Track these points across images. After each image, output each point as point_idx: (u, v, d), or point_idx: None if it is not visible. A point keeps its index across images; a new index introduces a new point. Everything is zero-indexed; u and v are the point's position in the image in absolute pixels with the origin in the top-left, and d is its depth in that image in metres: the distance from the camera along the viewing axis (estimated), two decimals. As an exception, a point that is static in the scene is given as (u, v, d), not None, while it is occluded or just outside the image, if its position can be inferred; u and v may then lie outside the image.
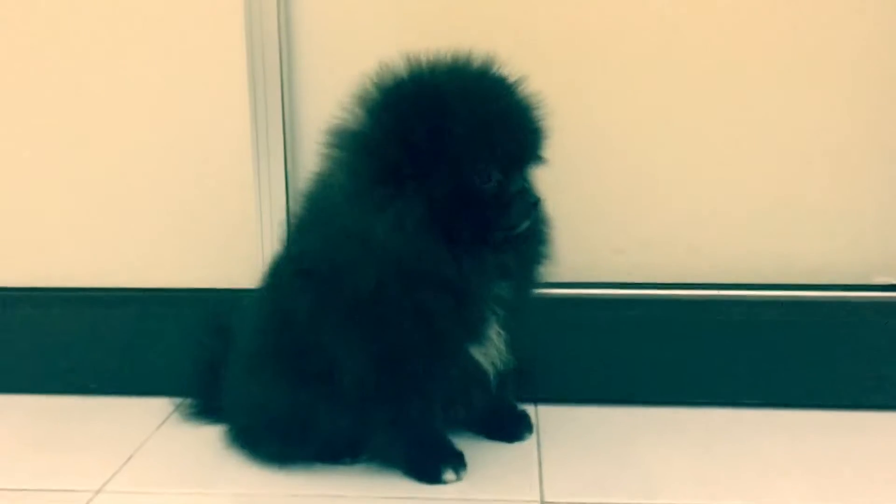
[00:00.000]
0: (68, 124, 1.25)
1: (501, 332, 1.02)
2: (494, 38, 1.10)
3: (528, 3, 1.18)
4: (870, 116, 1.18)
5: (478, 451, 1.09)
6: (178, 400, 1.23)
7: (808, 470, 1.04)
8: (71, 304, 1.26)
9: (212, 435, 1.14)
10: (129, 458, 1.09)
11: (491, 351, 1.03)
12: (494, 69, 0.97)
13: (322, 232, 0.99)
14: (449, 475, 1.02)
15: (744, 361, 1.21)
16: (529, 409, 1.20)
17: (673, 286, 1.23)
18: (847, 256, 1.21)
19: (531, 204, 0.97)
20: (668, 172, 1.22)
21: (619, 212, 1.23)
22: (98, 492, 1.01)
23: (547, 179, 1.13)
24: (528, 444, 1.12)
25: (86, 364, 1.27)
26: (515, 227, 0.97)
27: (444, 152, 0.91)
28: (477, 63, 0.96)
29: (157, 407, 1.23)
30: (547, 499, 0.99)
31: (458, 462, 1.04)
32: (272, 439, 1.06)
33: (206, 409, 1.19)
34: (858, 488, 1.00)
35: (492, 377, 1.05)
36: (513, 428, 1.14)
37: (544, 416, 1.20)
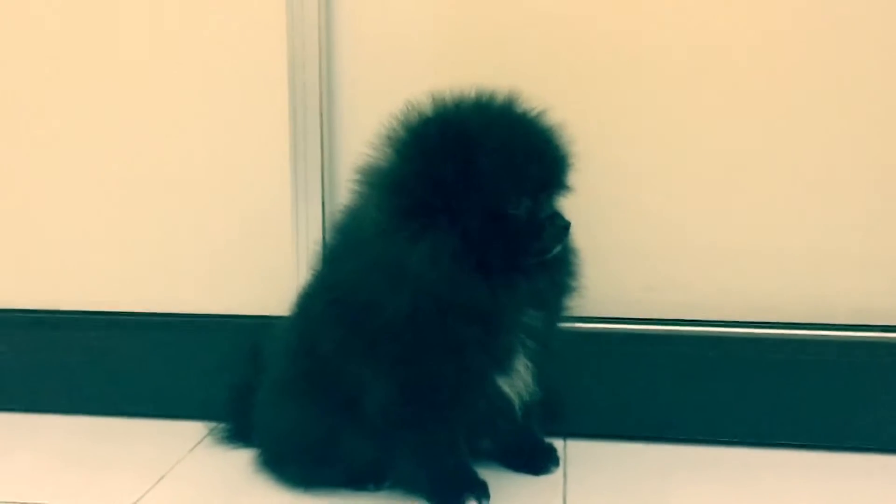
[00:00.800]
0: (119, 158, 1.30)
1: (529, 364, 1.04)
2: (529, 75, 1.14)
3: (563, 42, 1.20)
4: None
5: (503, 482, 1.09)
6: (212, 424, 1.25)
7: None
8: (114, 328, 1.31)
9: (243, 458, 1.16)
10: (161, 479, 1.12)
11: (517, 382, 1.04)
12: (517, 103, 0.99)
13: (353, 263, 1.01)
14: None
15: (777, 400, 1.19)
16: (558, 443, 1.20)
17: (705, 323, 1.22)
18: (885, 298, 1.19)
19: (562, 227, 0.99)
20: (703, 212, 1.22)
21: (652, 250, 1.23)
22: (132, 509, 1.04)
23: (579, 215, 1.15)
24: (554, 477, 1.12)
25: (126, 387, 1.31)
26: (548, 250, 0.99)
27: (473, 185, 0.94)
28: (500, 98, 0.99)
29: (192, 430, 1.26)
30: (569, 531, 0.99)
31: (481, 492, 1.04)
32: (299, 464, 1.08)
33: (238, 433, 1.21)
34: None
35: (517, 408, 1.05)
36: (539, 461, 1.14)
37: (572, 450, 1.20)
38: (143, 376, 1.31)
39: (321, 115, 1.22)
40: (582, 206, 1.17)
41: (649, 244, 1.23)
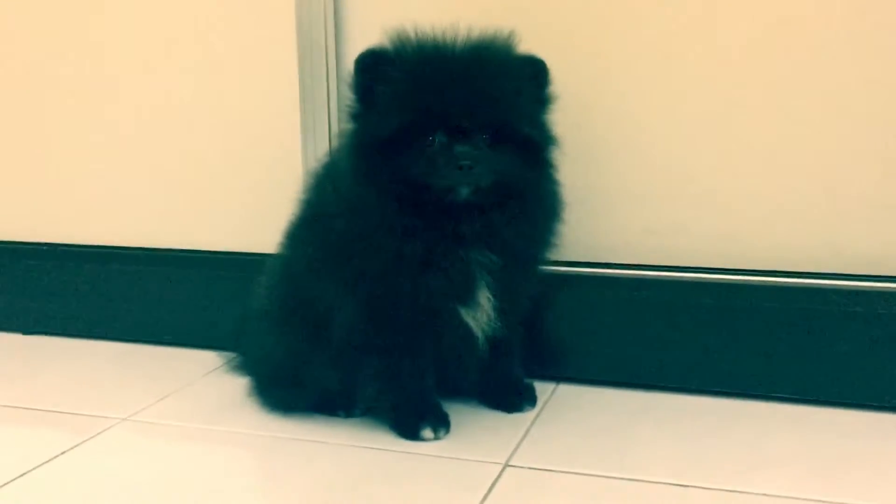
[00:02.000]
0: (142, 103, 1.41)
1: (491, 298, 1.04)
2: (535, 14, 1.18)
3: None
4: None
5: (472, 417, 1.12)
6: (226, 354, 1.34)
7: (799, 463, 0.97)
8: (143, 262, 1.42)
9: (243, 385, 1.23)
10: (165, 397, 1.21)
11: (479, 315, 1.05)
12: (479, 39, 0.99)
13: (321, 184, 1.08)
14: (427, 433, 1.05)
15: (767, 350, 1.14)
16: (549, 386, 1.21)
17: (703, 270, 1.18)
18: (884, 248, 1.11)
19: (462, 169, 0.95)
20: (706, 155, 1.17)
21: (653, 193, 1.20)
22: (123, 420, 1.14)
23: (578, 157, 1.14)
24: (526, 416, 1.12)
25: (155, 316, 1.42)
26: (450, 189, 0.98)
27: (387, 113, 0.97)
28: (468, 38, 0.99)
29: (211, 359, 1.35)
30: (512, 463, 0.99)
31: (439, 422, 1.07)
32: (277, 389, 1.14)
33: (245, 362, 1.28)
34: (839, 482, 0.92)
35: (481, 342, 1.07)
36: (514, 399, 1.14)
37: (560, 393, 1.19)
38: (172, 307, 1.41)
39: (326, 53, 1.27)
40: (581, 148, 1.17)
41: (650, 187, 1.20)
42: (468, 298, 1.03)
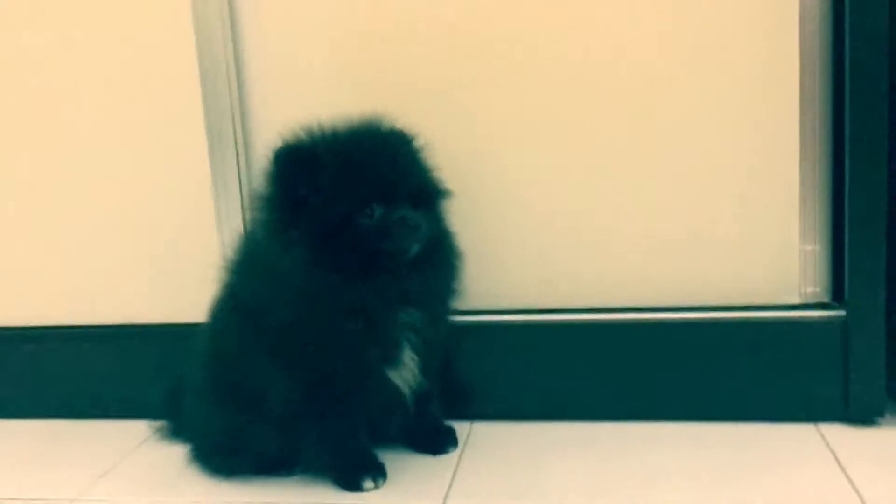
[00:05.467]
0: (58, 185, 1.44)
1: (415, 356, 1.16)
2: (421, 102, 1.30)
3: (450, 54, 1.32)
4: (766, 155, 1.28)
5: (404, 463, 1.23)
6: (156, 423, 1.40)
7: (695, 476, 1.14)
8: (64, 340, 1.46)
9: (179, 453, 1.30)
10: (106, 473, 1.27)
11: (406, 374, 1.17)
12: (370, 125, 1.12)
13: (249, 275, 1.16)
14: (368, 483, 1.16)
15: (660, 378, 1.31)
16: (465, 425, 1.33)
17: (593, 311, 1.34)
18: (750, 280, 1.30)
19: (411, 228, 1.09)
20: (590, 209, 1.32)
21: (544, 245, 1.34)
22: (72, 501, 1.19)
23: (473, 217, 1.28)
24: (452, 456, 1.25)
25: (81, 391, 1.46)
26: (404, 250, 1.10)
27: (321, 198, 1.08)
28: (360, 121, 1.12)
29: (140, 429, 1.40)
30: (449, 500, 1.12)
31: (377, 472, 1.18)
32: (220, 456, 1.22)
33: (174, 430, 1.35)
34: (735, 492, 1.10)
35: (408, 396, 1.18)
36: (438, 442, 1.27)
37: (476, 431, 1.33)
38: (97, 382, 1.46)
39: (235, 141, 1.36)
40: (473, 208, 1.30)
41: (541, 240, 1.35)
42: (395, 360, 1.15)
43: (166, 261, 1.43)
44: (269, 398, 1.15)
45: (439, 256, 1.17)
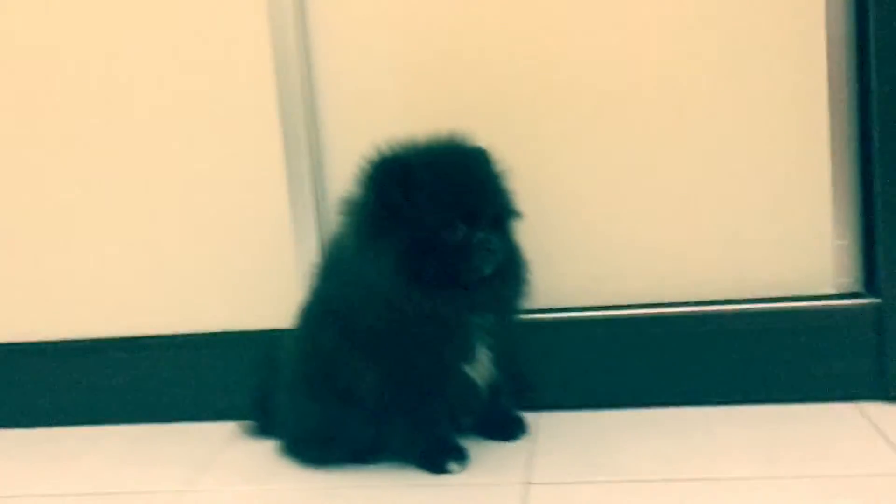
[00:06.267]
0: (133, 188, 1.55)
1: (488, 352, 1.28)
2: (487, 117, 1.40)
3: (518, 88, 1.45)
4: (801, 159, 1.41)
5: (483, 449, 1.33)
6: (239, 423, 1.50)
7: (751, 451, 1.25)
8: (154, 350, 1.56)
9: (267, 447, 1.40)
10: (206, 468, 1.37)
11: (480, 369, 1.28)
12: (458, 142, 1.23)
13: (338, 280, 1.27)
14: (453, 466, 1.27)
15: (709, 366, 1.43)
16: (531, 416, 1.43)
17: (644, 306, 1.45)
18: (787, 274, 1.42)
19: (489, 251, 1.19)
20: (636, 215, 1.45)
21: (597, 248, 1.47)
22: (185, 492, 1.30)
23: (534, 229, 1.39)
24: (524, 442, 1.36)
25: (164, 397, 1.57)
26: (480, 270, 1.20)
27: (412, 213, 1.18)
28: (444, 139, 1.22)
29: (224, 430, 1.51)
30: (532, 480, 1.22)
31: (460, 456, 1.28)
32: (313, 448, 1.33)
33: (262, 428, 1.46)
34: (793, 464, 1.21)
35: (483, 389, 1.30)
36: (510, 430, 1.38)
37: (542, 421, 1.43)
38: (181, 388, 1.56)
39: (311, 155, 1.48)
40: (534, 219, 1.41)
41: (592, 242, 1.47)
42: (471, 358, 1.27)
43: (245, 278, 1.54)
44: (361, 392, 1.26)
45: (509, 271, 1.28)
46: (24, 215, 1.58)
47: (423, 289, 1.18)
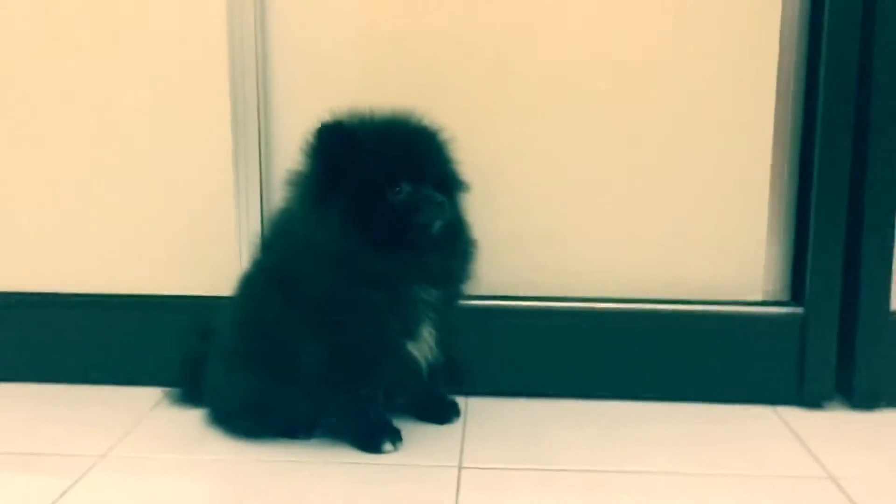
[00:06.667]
0: (82, 149, 1.50)
1: (433, 331, 1.28)
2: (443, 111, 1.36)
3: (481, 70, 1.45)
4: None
5: (416, 430, 1.34)
6: (166, 389, 1.47)
7: (673, 446, 1.30)
8: (79, 307, 1.52)
9: (194, 416, 1.38)
10: (128, 433, 1.34)
11: (423, 347, 1.28)
12: (404, 115, 1.24)
13: (283, 248, 1.26)
14: (388, 446, 1.27)
15: (638, 362, 1.47)
16: (461, 400, 1.45)
17: (578, 299, 1.48)
18: (721, 278, 1.48)
19: (436, 204, 1.21)
20: (578, 207, 1.48)
21: (537, 238, 1.49)
22: (103, 456, 1.26)
23: (477, 212, 1.39)
24: (456, 425, 1.37)
25: (91, 357, 1.52)
26: (429, 225, 1.22)
27: (358, 174, 1.19)
28: (393, 112, 1.24)
29: (150, 394, 1.47)
30: (465, 464, 1.24)
31: (395, 436, 1.29)
32: (245, 419, 1.31)
33: (188, 396, 1.43)
34: (712, 462, 1.26)
35: (424, 369, 1.30)
36: (444, 413, 1.39)
37: (472, 405, 1.45)
38: (108, 349, 1.52)
39: (259, 127, 1.45)
40: (479, 204, 1.42)
41: (535, 233, 1.49)
42: (415, 335, 1.27)
43: (185, 243, 1.51)
44: (300, 364, 1.24)
45: (458, 241, 1.30)
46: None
47: (373, 247, 1.19)
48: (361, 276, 1.19)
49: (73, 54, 1.48)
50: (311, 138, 1.22)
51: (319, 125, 1.21)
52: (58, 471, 1.21)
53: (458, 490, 1.16)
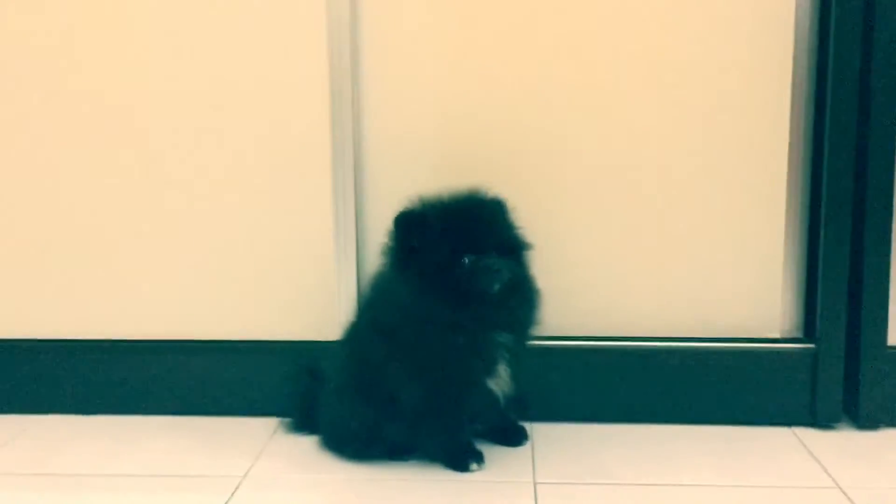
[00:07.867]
0: (184, 200, 1.77)
1: (507, 368, 1.55)
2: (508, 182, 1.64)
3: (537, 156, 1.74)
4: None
5: (493, 452, 1.61)
6: (279, 419, 1.76)
7: (707, 462, 1.57)
8: (206, 353, 1.80)
9: (308, 442, 1.66)
10: (258, 456, 1.62)
11: (500, 382, 1.55)
12: (470, 193, 1.51)
13: (381, 306, 1.56)
14: (473, 466, 1.54)
15: (673, 391, 1.74)
16: (527, 425, 1.72)
17: (627, 339, 1.75)
18: (744, 319, 1.75)
19: (493, 272, 1.46)
20: (621, 263, 1.75)
21: (592, 290, 1.76)
22: (245, 476, 1.54)
23: (541, 264, 1.66)
24: (526, 447, 1.64)
25: (212, 393, 1.81)
26: (489, 288, 1.47)
27: (429, 251, 1.47)
28: (460, 191, 1.51)
29: (266, 424, 1.75)
30: (538, 480, 1.51)
31: (479, 458, 1.56)
32: (355, 444, 1.59)
33: (300, 425, 1.72)
34: (739, 474, 1.53)
35: (500, 400, 1.57)
36: (516, 437, 1.66)
37: (538, 430, 1.72)
38: (227, 386, 1.80)
39: (356, 205, 1.74)
40: (543, 260, 1.68)
41: (587, 284, 1.76)
42: (492, 372, 1.54)
43: (291, 296, 1.79)
44: (399, 398, 1.53)
45: (521, 293, 1.55)
46: (88, 218, 1.79)
47: (446, 305, 1.47)
48: (440, 326, 1.47)
49: (206, 120, 1.75)
50: (391, 224, 1.50)
51: (397, 214, 1.49)
52: (211, 489, 1.49)
53: (536, 501, 1.44)
